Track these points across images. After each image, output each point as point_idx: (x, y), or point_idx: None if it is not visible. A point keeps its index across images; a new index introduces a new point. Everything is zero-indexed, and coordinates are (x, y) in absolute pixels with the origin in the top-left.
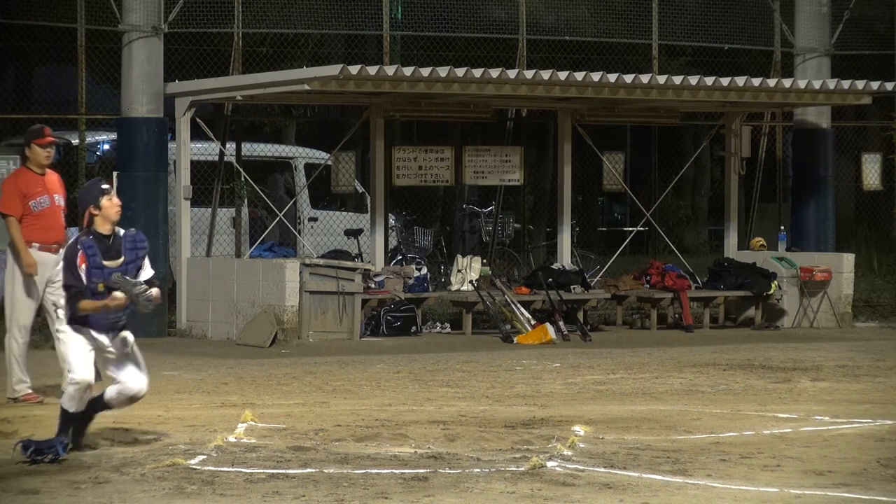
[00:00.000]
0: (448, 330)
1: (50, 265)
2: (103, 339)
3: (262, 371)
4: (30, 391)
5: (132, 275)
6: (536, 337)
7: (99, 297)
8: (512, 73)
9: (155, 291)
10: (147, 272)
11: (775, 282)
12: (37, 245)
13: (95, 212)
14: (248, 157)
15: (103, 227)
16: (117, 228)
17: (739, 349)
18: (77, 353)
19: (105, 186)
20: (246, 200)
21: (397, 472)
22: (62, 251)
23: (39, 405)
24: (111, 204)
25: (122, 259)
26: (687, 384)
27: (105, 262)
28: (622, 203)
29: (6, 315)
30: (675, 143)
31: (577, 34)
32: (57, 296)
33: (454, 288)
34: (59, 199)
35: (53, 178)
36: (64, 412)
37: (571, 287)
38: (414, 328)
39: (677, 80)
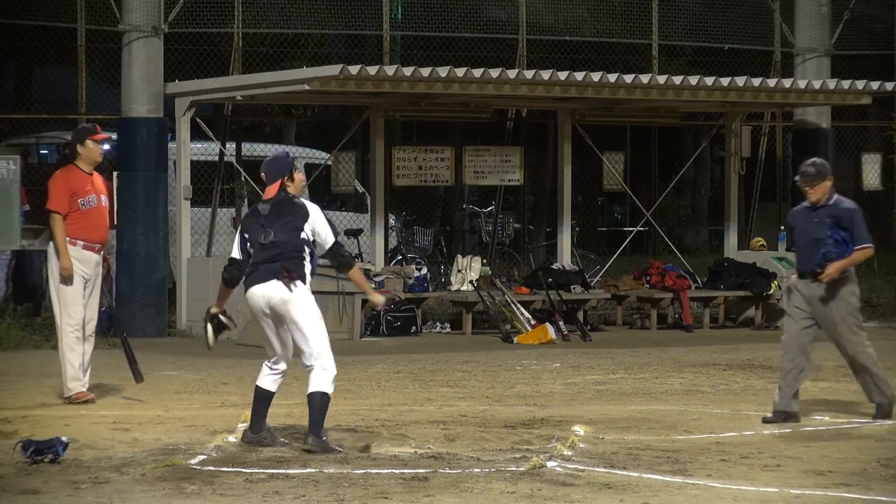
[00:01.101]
0: (448, 330)
1: (92, 264)
2: None
3: None
4: (83, 389)
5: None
6: (536, 337)
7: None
8: (512, 73)
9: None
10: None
11: (775, 282)
12: (81, 243)
13: (288, 183)
14: (248, 157)
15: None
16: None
17: (739, 349)
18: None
19: (294, 159)
20: (246, 200)
21: (397, 472)
22: (101, 252)
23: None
24: (300, 177)
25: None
26: (687, 384)
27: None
28: (622, 203)
29: (55, 313)
30: (675, 143)
31: (576, 34)
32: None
33: (454, 288)
34: (105, 200)
35: (98, 178)
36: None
37: (571, 287)
38: (414, 328)
39: (677, 80)
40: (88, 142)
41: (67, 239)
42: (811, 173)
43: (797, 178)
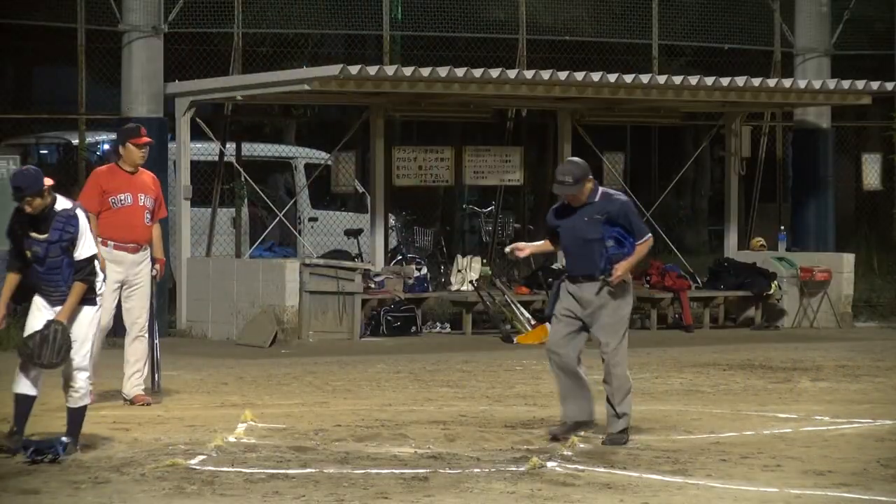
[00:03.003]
0: (448, 330)
1: (126, 264)
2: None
3: (262, 371)
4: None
5: (54, 253)
6: (536, 337)
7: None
8: (512, 73)
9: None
10: (79, 253)
11: (775, 282)
12: (112, 243)
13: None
14: (248, 157)
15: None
16: (61, 205)
17: (739, 349)
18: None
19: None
20: (246, 200)
21: (397, 472)
22: (142, 252)
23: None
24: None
25: (46, 235)
26: (687, 384)
27: (32, 233)
28: None
29: None
30: (675, 143)
31: (576, 34)
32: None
33: (454, 288)
34: (145, 199)
35: (145, 177)
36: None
37: None
38: (414, 328)
39: (677, 80)
40: (129, 144)
41: (99, 239)
42: (570, 183)
43: (555, 188)
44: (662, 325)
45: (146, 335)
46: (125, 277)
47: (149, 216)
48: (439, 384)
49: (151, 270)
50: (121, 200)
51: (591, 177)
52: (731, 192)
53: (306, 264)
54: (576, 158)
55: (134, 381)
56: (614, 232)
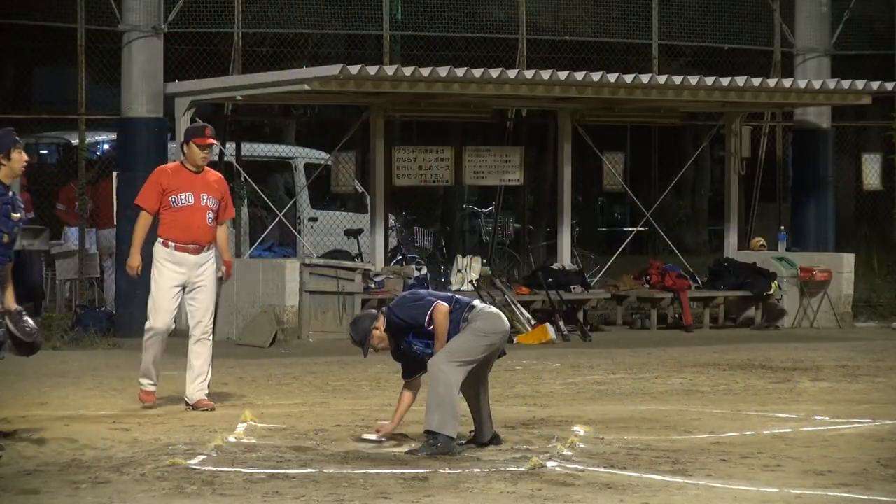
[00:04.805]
0: None
1: (188, 265)
2: None
3: (262, 371)
4: (151, 389)
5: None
6: (536, 337)
7: (2, 248)
8: (512, 73)
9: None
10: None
11: (775, 282)
12: (172, 244)
13: (4, 161)
14: (248, 157)
15: (6, 179)
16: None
17: (739, 349)
18: None
19: (17, 138)
20: (246, 200)
21: (397, 472)
22: (204, 253)
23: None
24: (20, 157)
25: (20, 214)
26: (687, 384)
27: (14, 214)
28: (622, 203)
29: (148, 311)
30: (675, 143)
31: (576, 34)
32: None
33: (454, 288)
34: (208, 200)
35: (210, 177)
36: None
37: (571, 287)
38: None
39: (677, 80)
40: (192, 143)
41: (161, 240)
42: (359, 348)
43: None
44: (662, 325)
45: (210, 338)
46: (187, 279)
47: (211, 216)
48: None
49: (217, 272)
50: (181, 200)
51: (374, 322)
52: (731, 192)
53: (306, 264)
54: (354, 320)
55: (197, 386)
56: (410, 337)
